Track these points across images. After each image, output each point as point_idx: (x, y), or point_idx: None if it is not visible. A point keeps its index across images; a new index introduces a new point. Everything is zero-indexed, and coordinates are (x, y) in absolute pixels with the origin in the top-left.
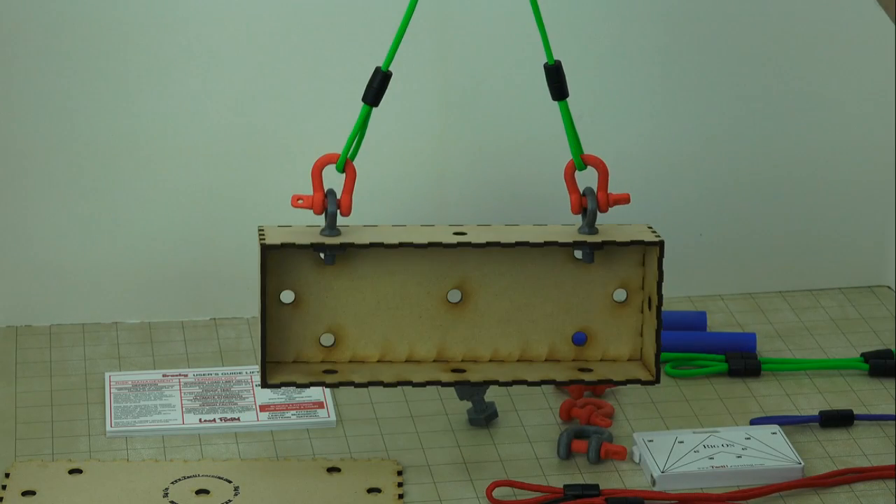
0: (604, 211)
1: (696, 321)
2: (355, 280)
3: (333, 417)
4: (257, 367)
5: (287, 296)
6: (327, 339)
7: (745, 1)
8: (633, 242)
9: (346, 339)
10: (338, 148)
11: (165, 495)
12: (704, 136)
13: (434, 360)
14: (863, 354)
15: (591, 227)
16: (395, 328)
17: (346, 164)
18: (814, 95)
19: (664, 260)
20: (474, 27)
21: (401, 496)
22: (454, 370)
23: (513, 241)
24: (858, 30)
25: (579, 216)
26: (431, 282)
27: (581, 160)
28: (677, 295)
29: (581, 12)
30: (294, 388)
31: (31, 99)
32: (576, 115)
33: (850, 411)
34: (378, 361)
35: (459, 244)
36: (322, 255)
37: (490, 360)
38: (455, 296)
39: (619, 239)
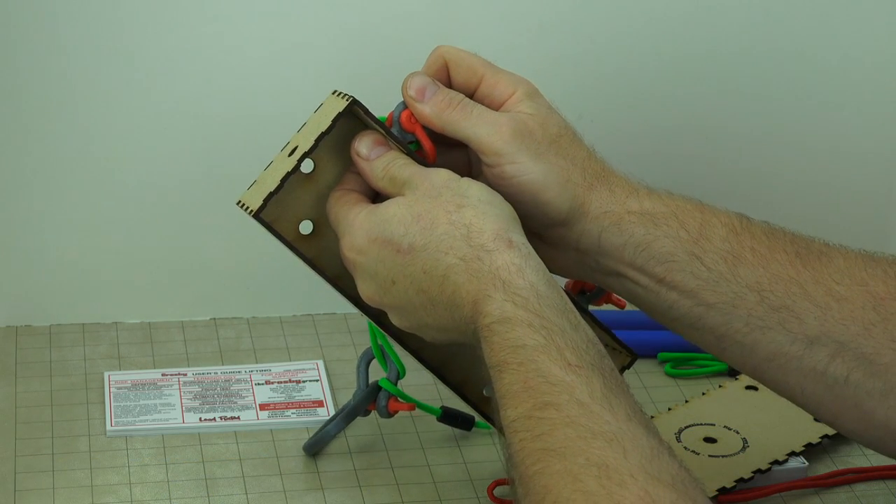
0: None
1: None
2: None
3: (332, 415)
4: (257, 367)
5: (306, 226)
6: (306, 227)
7: (747, 2)
8: None
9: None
10: None
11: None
12: (704, 136)
13: None
14: None
15: None
16: None
17: None
18: (813, 94)
19: None
20: (475, 25)
21: None
22: None
23: None
24: (859, 30)
25: None
26: None
27: None
28: None
29: (582, 11)
30: (276, 239)
31: (30, 97)
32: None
33: None
34: None
35: None
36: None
37: None
38: None
39: None
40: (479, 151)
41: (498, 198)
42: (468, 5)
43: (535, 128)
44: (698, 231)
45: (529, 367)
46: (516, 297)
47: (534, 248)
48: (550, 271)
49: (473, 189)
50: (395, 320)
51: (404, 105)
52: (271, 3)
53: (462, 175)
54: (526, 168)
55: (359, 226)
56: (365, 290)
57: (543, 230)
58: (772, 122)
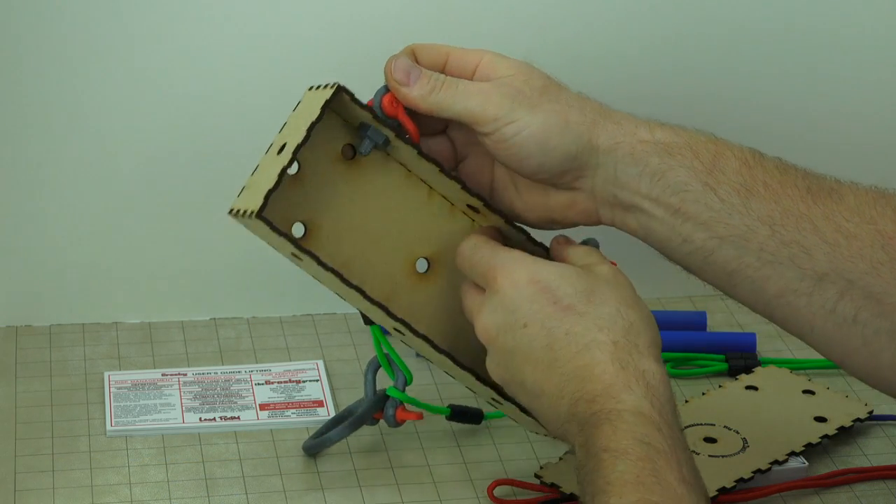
0: None
1: (696, 321)
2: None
3: (333, 416)
4: (257, 367)
5: (298, 229)
6: (298, 230)
7: (750, 3)
8: None
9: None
10: None
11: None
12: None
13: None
14: None
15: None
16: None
17: None
18: (814, 91)
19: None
20: (475, 23)
21: None
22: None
23: None
24: (862, 29)
25: None
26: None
27: None
28: (677, 295)
29: (582, 9)
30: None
31: (30, 97)
32: None
33: None
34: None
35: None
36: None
37: None
38: (422, 265)
39: None
40: (474, 123)
41: (653, 319)
42: (465, 3)
43: (521, 85)
44: (712, 162)
45: (647, 465)
46: (654, 401)
47: (552, 198)
48: (569, 217)
49: (638, 299)
50: (491, 363)
51: (385, 90)
52: (272, 5)
53: (448, 164)
54: (524, 123)
55: (523, 265)
56: (488, 321)
57: (558, 179)
58: (773, 120)
